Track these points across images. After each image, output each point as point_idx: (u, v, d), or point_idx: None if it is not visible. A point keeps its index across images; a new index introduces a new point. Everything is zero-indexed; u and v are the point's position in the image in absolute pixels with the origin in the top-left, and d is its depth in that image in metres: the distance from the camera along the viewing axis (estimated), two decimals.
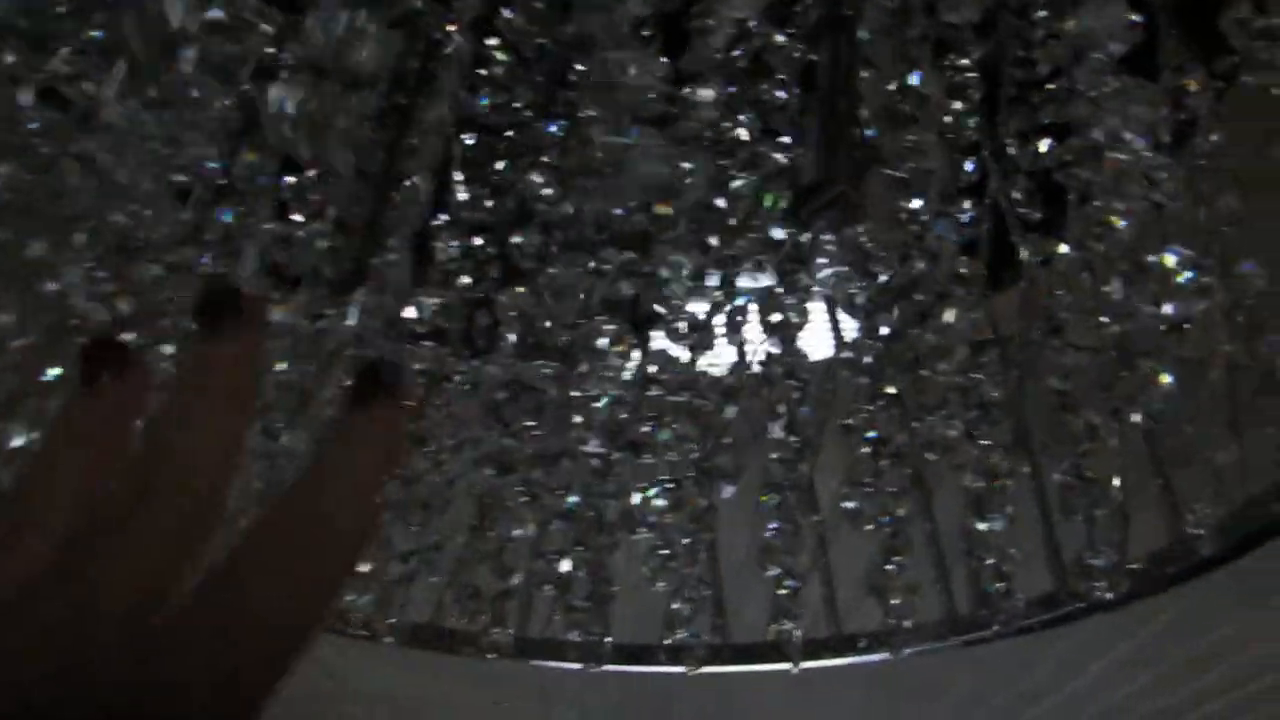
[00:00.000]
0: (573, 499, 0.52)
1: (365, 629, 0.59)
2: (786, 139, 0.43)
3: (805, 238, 0.44)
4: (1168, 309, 0.30)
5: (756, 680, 1.39)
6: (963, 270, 0.46)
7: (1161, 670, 1.37)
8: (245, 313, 0.29)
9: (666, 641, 0.58)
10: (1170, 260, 0.30)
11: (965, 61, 0.41)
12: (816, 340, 0.56)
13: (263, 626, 0.25)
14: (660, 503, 0.48)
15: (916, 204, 0.37)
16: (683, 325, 0.51)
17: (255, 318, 0.29)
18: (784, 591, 0.49)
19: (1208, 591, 1.16)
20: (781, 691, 1.70)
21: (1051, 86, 0.37)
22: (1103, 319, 0.35)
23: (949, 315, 0.38)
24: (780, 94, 0.43)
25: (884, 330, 0.46)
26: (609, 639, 0.58)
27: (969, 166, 0.45)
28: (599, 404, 0.47)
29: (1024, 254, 0.44)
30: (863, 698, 1.68)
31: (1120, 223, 0.30)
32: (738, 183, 0.43)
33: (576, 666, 0.58)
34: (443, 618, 0.60)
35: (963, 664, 1.43)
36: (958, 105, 0.44)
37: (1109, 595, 0.42)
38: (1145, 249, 0.31)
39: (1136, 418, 0.34)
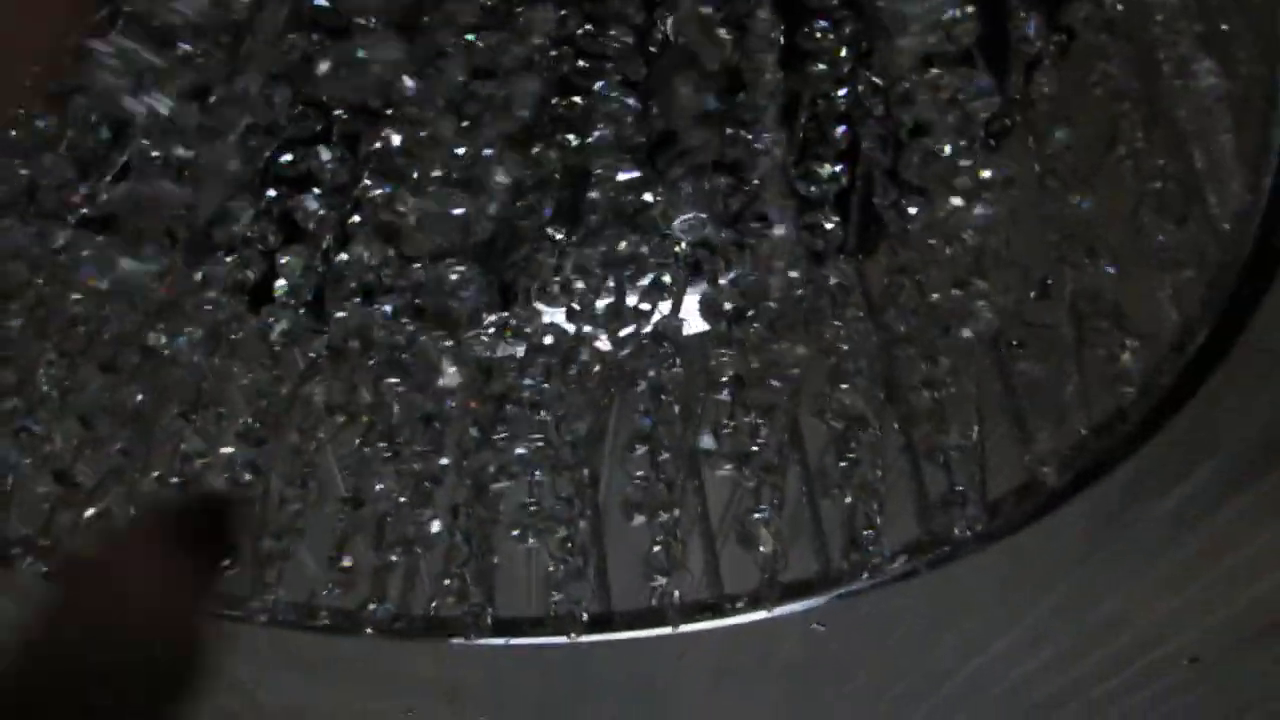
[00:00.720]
0: (444, 461, 0.52)
1: (238, 609, 0.57)
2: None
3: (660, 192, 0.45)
4: (979, 210, 0.30)
5: (674, 679, 1.39)
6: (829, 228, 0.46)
7: (1063, 646, 1.40)
8: None
9: (549, 612, 0.57)
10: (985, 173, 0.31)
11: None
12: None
13: None
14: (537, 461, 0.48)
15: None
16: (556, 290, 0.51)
17: None
18: (657, 549, 0.49)
19: (1098, 567, 1.19)
20: (702, 690, 1.70)
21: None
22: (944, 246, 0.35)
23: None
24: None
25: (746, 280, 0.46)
26: (489, 609, 0.57)
27: (841, 130, 0.46)
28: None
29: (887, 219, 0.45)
30: (778, 690, 1.70)
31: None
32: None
33: (458, 641, 0.57)
34: (318, 597, 0.59)
35: (867, 648, 1.45)
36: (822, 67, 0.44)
37: (970, 531, 0.42)
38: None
39: (966, 333, 0.35)
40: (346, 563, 0.54)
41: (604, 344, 0.52)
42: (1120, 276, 0.34)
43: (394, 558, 0.58)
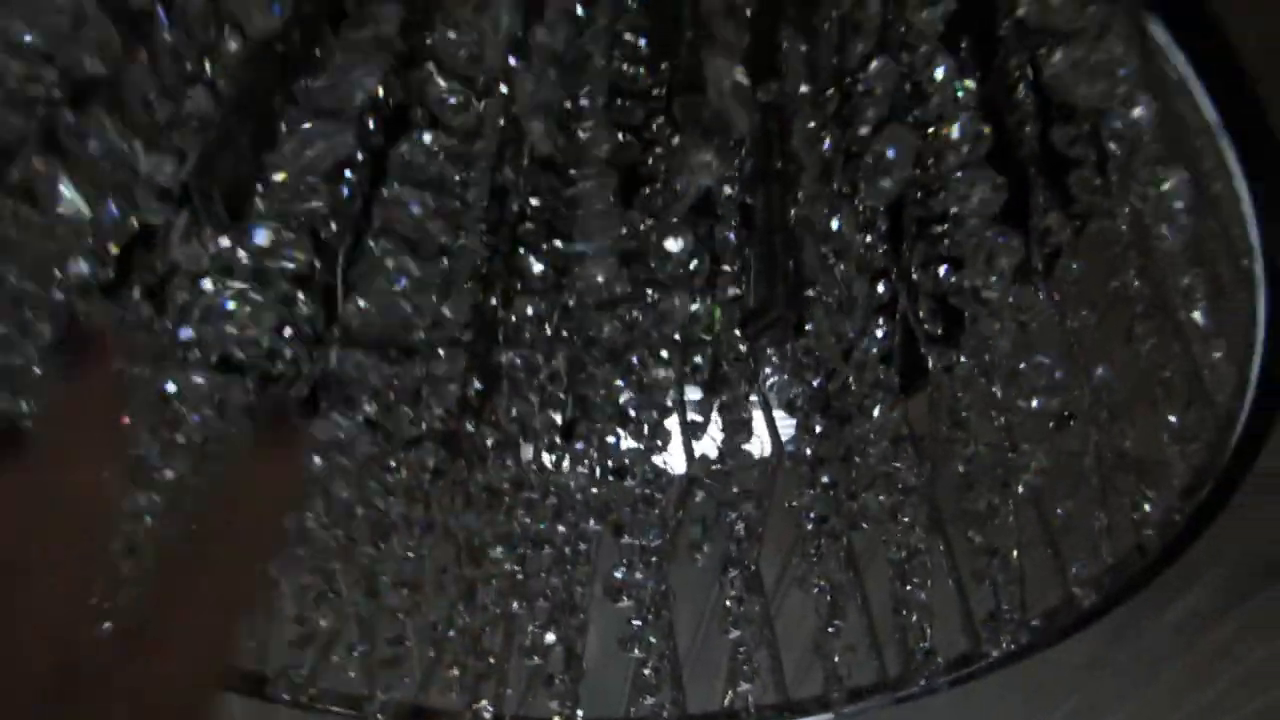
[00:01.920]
0: (552, 580, 0.59)
1: (353, 709, 0.64)
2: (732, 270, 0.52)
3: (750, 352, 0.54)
4: (1035, 404, 0.39)
5: None
6: (880, 377, 0.55)
7: None
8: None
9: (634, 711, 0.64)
10: (1038, 363, 0.40)
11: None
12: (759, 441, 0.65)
13: (172, 676, 0.26)
14: (633, 578, 0.56)
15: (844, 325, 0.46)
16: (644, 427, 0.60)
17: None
18: (740, 658, 0.57)
19: (1107, 678, 1.25)
20: None
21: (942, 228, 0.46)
22: (994, 414, 0.44)
23: (874, 414, 0.47)
24: (729, 235, 0.53)
25: (818, 428, 0.55)
26: (580, 712, 0.64)
27: (881, 289, 0.55)
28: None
29: (930, 363, 0.54)
30: None
31: (1000, 340, 0.40)
32: (695, 307, 0.53)
33: None
34: (425, 697, 0.66)
35: None
36: (869, 238, 0.54)
37: (1013, 647, 0.50)
38: (1020, 358, 0.41)
39: (1020, 489, 0.43)
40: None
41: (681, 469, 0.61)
42: (1139, 436, 0.43)
43: (491, 660, 0.65)
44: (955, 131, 0.36)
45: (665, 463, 0.60)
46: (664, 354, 0.55)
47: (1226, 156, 0.28)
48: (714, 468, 0.55)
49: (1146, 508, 0.44)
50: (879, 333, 0.55)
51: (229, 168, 0.43)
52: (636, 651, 0.57)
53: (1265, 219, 0.29)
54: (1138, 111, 0.30)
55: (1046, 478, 0.44)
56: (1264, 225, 0.30)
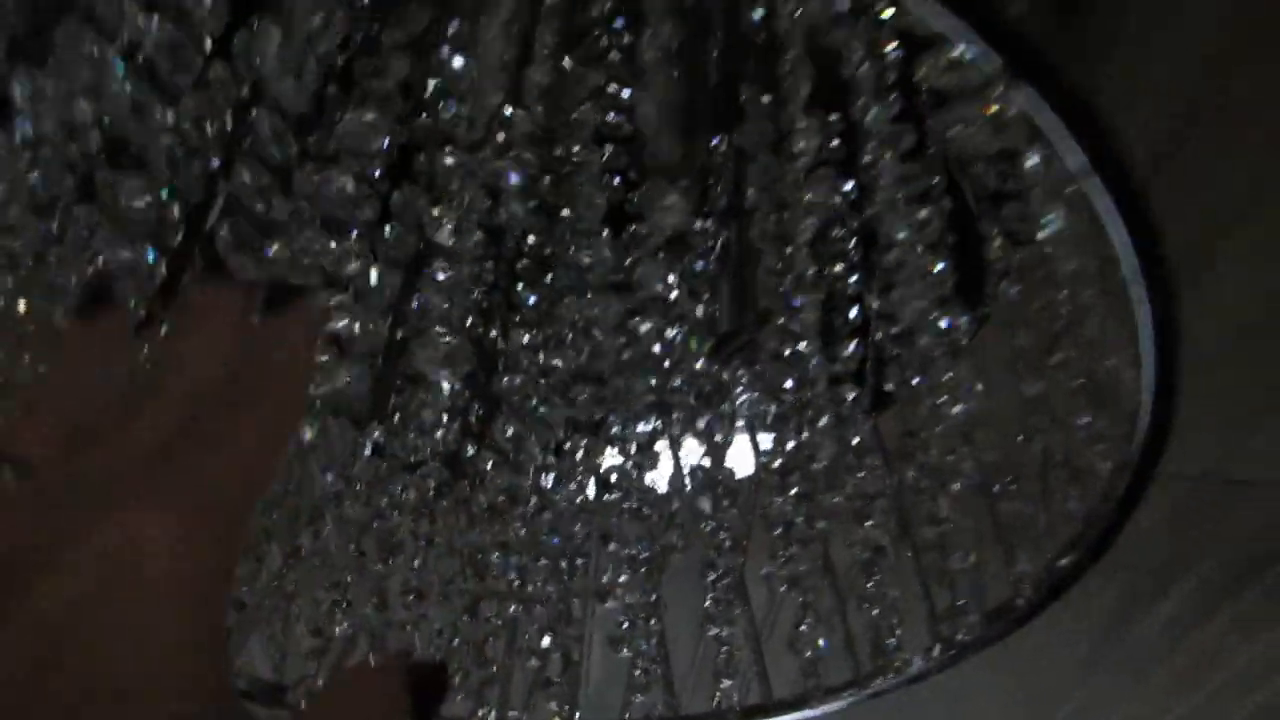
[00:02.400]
0: (547, 588, 0.64)
1: None
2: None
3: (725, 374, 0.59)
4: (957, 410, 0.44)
5: None
6: (847, 396, 0.60)
7: None
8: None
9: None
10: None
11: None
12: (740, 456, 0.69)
13: None
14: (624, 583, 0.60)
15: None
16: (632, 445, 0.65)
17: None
18: (722, 657, 0.62)
19: (1106, 676, 1.28)
20: None
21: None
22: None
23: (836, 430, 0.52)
24: (700, 264, 0.58)
25: (790, 443, 0.60)
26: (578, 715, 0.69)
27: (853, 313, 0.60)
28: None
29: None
30: None
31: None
32: (672, 332, 0.58)
33: None
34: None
35: None
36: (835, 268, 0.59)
37: (972, 637, 0.55)
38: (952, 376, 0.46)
39: (955, 486, 0.48)
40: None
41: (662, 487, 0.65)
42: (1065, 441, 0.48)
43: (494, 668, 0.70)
44: (884, 175, 0.41)
45: (652, 480, 0.65)
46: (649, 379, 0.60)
47: (1096, 199, 0.32)
48: (692, 482, 0.60)
49: (1073, 504, 0.48)
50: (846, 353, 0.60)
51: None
52: (625, 652, 0.62)
53: (1136, 245, 0.34)
54: (1031, 161, 0.35)
55: (986, 478, 0.49)
56: (1136, 242, 0.34)
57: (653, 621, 0.66)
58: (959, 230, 0.50)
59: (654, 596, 0.68)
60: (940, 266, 0.46)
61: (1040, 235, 0.38)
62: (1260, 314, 0.74)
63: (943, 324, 0.47)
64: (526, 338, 0.54)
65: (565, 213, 0.52)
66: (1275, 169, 0.64)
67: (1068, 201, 0.36)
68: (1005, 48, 0.30)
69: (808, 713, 0.66)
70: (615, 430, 0.64)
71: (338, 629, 0.60)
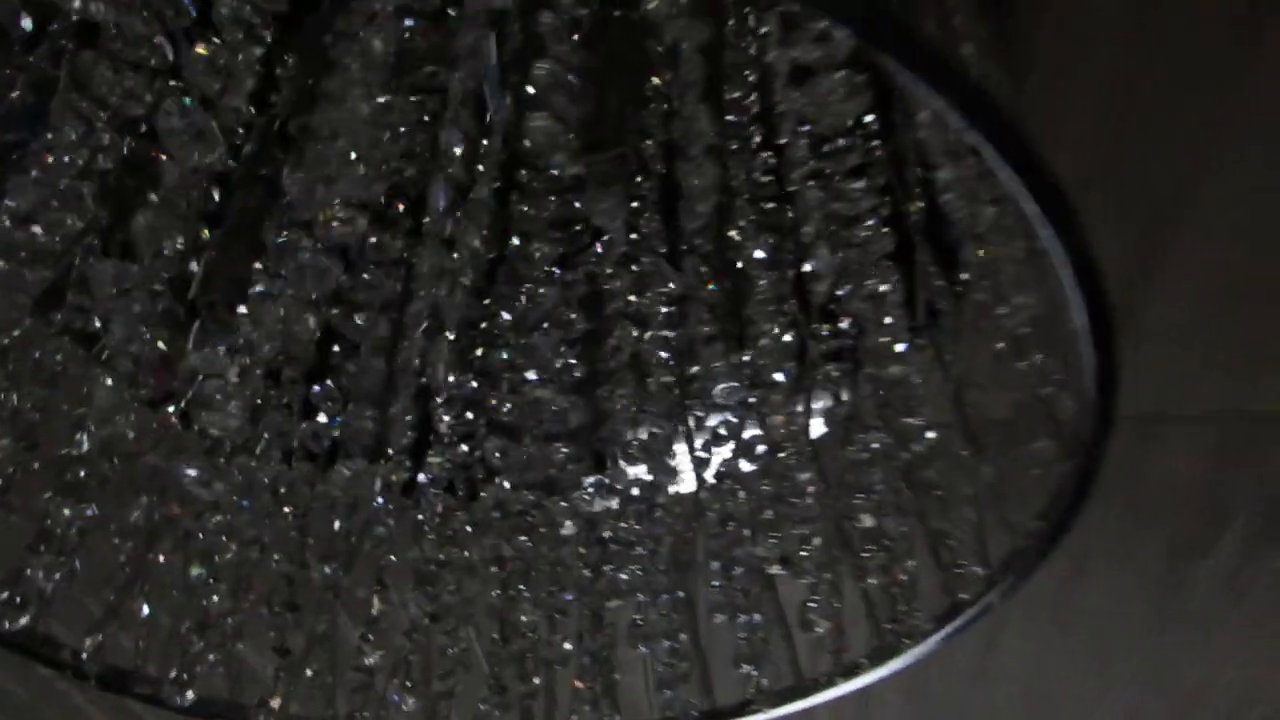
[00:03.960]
0: (568, 598, 0.67)
1: None
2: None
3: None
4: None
5: None
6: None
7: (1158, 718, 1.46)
8: None
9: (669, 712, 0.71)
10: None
11: None
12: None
13: None
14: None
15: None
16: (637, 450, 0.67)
17: None
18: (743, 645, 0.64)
19: (1169, 635, 1.26)
20: None
21: None
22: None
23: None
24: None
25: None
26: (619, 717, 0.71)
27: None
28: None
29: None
30: None
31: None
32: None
33: None
34: None
35: None
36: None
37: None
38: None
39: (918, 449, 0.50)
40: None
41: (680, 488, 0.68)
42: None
43: (536, 680, 0.72)
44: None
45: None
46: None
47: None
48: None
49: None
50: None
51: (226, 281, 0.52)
52: (643, 648, 0.64)
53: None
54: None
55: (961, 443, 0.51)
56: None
57: (676, 616, 0.68)
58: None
59: (680, 593, 0.70)
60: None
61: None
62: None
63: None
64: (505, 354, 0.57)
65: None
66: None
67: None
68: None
69: (838, 691, 0.67)
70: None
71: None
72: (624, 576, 0.64)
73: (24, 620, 0.57)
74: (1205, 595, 1.16)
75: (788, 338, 0.54)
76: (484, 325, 0.63)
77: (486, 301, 0.61)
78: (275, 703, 0.68)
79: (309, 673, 0.68)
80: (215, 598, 0.62)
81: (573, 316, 0.57)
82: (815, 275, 0.46)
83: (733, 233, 0.54)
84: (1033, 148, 0.36)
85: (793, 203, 0.48)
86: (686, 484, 0.69)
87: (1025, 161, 0.35)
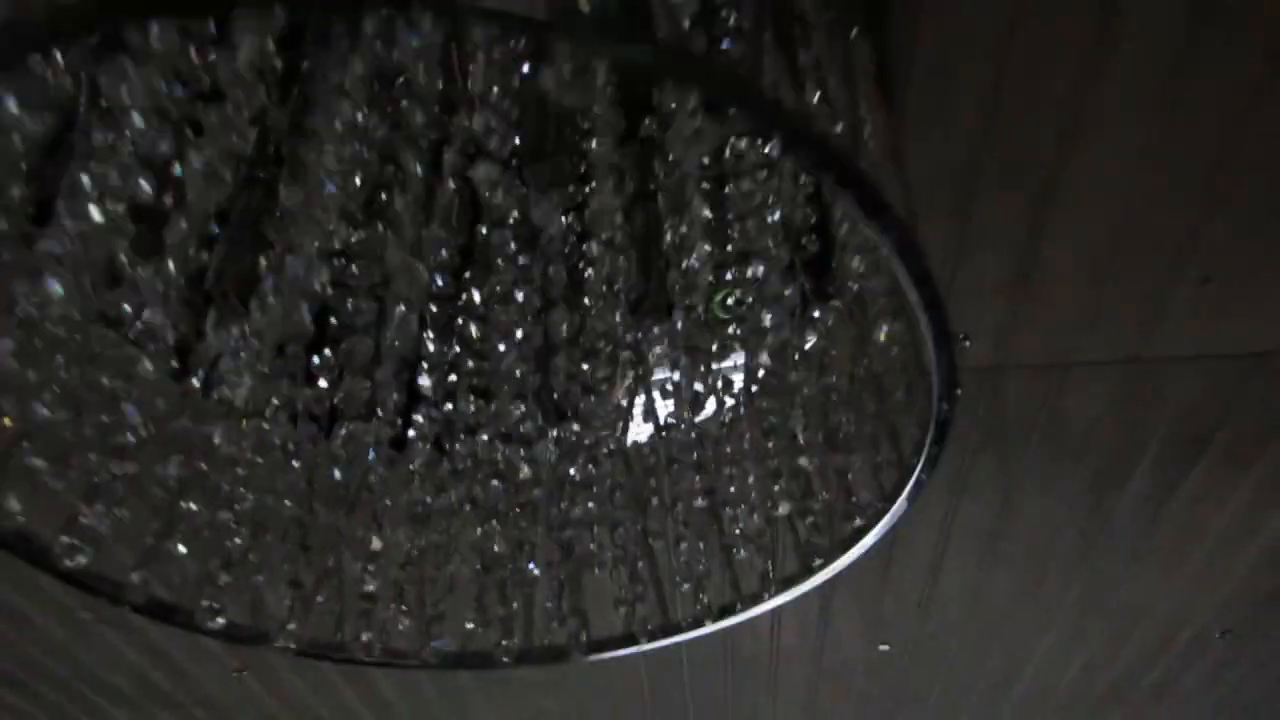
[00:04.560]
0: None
1: (416, 659, 0.84)
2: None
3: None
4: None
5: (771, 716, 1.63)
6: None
7: (1099, 641, 1.59)
8: None
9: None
10: None
11: None
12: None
13: None
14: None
15: None
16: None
17: None
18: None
19: (1100, 560, 1.38)
20: None
21: None
22: None
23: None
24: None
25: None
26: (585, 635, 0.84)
27: None
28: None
29: None
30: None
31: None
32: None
33: None
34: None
35: (931, 667, 1.65)
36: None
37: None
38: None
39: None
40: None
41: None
42: None
43: (515, 604, 0.85)
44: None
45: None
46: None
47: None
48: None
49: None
50: None
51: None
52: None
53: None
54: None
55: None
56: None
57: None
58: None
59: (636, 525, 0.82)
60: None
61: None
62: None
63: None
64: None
65: None
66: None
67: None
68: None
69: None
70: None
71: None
72: (582, 511, 0.76)
73: (81, 559, 0.69)
74: (1128, 523, 1.28)
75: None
76: (460, 301, 0.74)
77: (466, 277, 0.72)
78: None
79: (319, 600, 0.80)
80: (238, 539, 0.74)
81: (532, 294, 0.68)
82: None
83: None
84: (851, 167, 0.46)
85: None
86: (637, 433, 0.80)
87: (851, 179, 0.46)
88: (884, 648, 1.59)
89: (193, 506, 0.73)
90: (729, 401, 0.76)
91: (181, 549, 0.73)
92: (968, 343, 0.97)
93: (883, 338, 0.59)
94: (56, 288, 0.53)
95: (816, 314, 0.67)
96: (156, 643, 1.55)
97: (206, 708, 1.80)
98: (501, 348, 0.71)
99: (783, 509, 0.71)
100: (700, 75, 0.42)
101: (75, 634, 1.53)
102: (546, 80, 0.47)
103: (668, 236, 0.62)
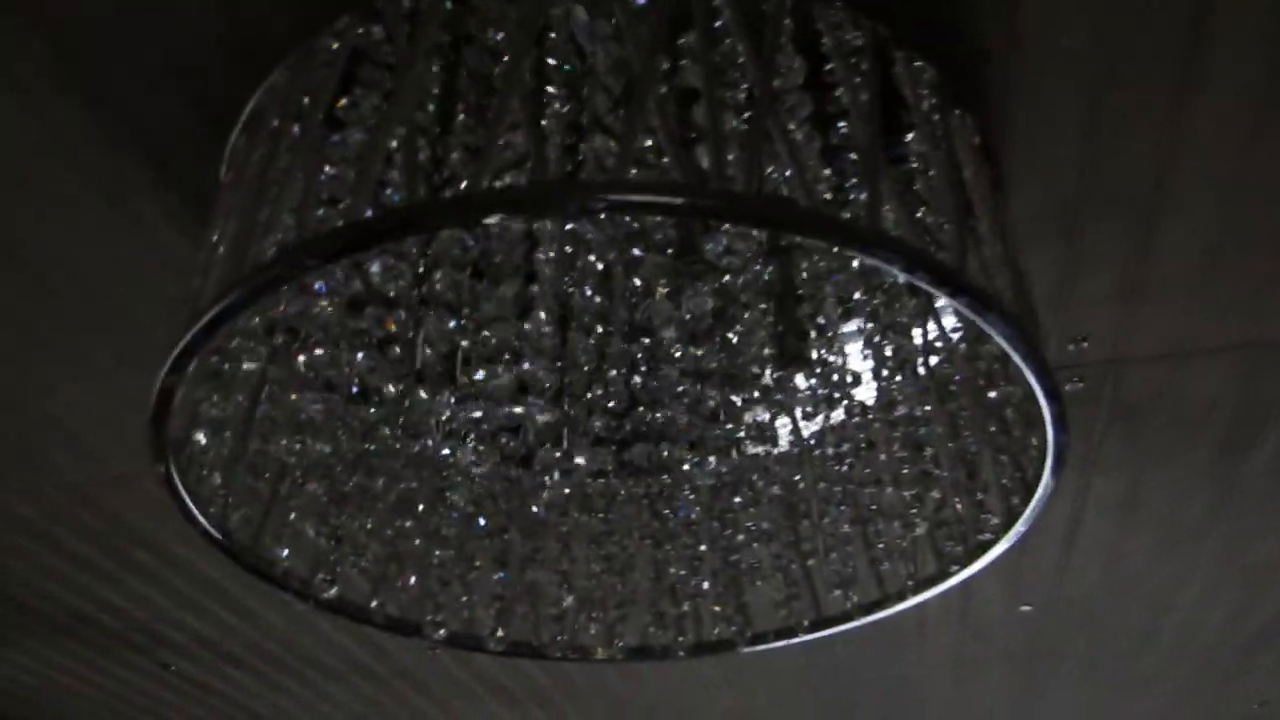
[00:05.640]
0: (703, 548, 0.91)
1: (605, 654, 0.98)
2: None
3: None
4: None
5: (920, 671, 1.76)
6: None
7: (1237, 593, 1.63)
8: None
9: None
10: None
11: None
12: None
13: None
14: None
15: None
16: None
17: None
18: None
19: (1235, 518, 1.42)
20: (946, 681, 2.01)
21: None
22: None
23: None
24: None
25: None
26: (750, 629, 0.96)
27: None
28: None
29: None
30: (1007, 675, 1.97)
31: None
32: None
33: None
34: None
35: (1073, 625, 1.72)
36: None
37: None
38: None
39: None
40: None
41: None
42: None
43: (685, 606, 0.98)
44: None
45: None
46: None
47: None
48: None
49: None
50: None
51: None
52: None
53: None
54: None
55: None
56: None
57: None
58: None
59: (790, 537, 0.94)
60: None
61: None
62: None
63: None
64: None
65: None
66: None
67: None
68: None
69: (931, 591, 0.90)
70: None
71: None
72: (741, 534, 0.88)
73: (334, 592, 0.85)
74: (1255, 484, 1.32)
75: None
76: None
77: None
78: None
79: (520, 610, 0.95)
80: (448, 564, 0.90)
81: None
82: None
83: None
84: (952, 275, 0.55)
85: None
86: (786, 450, 0.92)
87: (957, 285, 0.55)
88: (1025, 608, 1.67)
89: (417, 543, 0.88)
90: (864, 427, 0.87)
91: (413, 580, 0.88)
92: (1085, 344, 1.04)
93: (993, 395, 0.68)
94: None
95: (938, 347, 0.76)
96: (361, 626, 1.76)
97: (405, 679, 2.01)
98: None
99: (919, 529, 0.81)
100: (839, 235, 0.52)
101: (292, 621, 1.74)
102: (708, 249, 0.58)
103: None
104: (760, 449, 0.90)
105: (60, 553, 1.54)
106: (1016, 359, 0.59)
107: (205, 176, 0.81)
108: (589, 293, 0.65)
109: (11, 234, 0.93)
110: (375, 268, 0.57)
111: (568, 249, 0.64)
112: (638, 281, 0.72)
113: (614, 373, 0.77)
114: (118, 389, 1.14)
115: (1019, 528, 0.75)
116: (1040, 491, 0.71)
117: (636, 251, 0.63)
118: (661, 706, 2.16)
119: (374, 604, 0.91)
